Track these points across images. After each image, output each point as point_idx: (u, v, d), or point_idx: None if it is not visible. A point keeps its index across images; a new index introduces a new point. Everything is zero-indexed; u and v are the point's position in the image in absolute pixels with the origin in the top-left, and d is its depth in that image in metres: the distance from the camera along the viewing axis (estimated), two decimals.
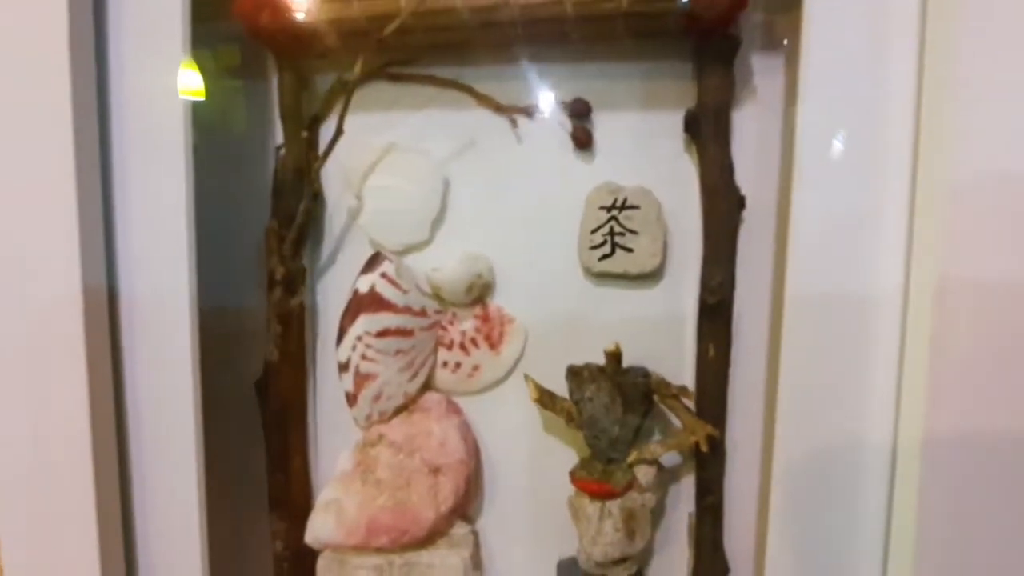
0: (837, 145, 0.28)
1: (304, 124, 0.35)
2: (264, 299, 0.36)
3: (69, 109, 0.30)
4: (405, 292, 0.34)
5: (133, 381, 0.33)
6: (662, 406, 0.33)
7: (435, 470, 0.34)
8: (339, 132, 0.32)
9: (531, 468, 0.37)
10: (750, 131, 0.32)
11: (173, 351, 0.32)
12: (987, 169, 0.26)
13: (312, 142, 0.34)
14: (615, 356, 0.32)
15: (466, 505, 0.36)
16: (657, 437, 0.34)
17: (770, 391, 0.32)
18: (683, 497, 0.36)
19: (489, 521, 0.38)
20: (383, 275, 0.34)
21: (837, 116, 0.28)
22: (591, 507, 0.33)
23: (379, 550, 0.35)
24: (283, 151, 0.36)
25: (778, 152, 0.32)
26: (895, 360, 0.28)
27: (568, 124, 0.34)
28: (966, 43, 0.26)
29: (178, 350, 0.32)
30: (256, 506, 0.38)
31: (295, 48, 0.34)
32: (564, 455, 0.36)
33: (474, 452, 0.36)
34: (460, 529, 0.36)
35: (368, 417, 0.35)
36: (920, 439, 0.27)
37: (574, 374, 0.33)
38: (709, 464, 0.33)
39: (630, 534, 0.32)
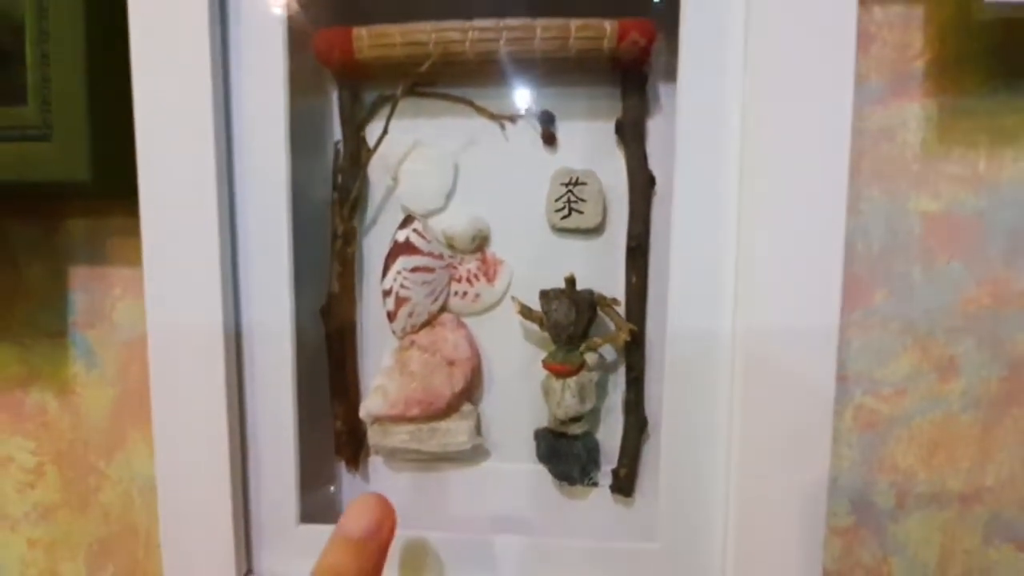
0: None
1: (357, 127, 0.47)
2: (329, 249, 0.46)
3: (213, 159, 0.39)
4: (428, 242, 0.47)
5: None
6: (602, 313, 0.44)
7: (451, 363, 0.45)
8: (384, 132, 0.46)
9: (515, 365, 0.46)
10: (657, 134, 0.43)
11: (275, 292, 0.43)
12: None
13: (364, 139, 0.48)
14: (571, 281, 0.43)
15: (472, 390, 0.46)
16: (598, 337, 0.47)
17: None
18: (619, 382, 0.45)
19: (487, 403, 0.47)
20: (414, 230, 0.46)
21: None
22: (556, 384, 0.43)
23: (412, 420, 0.45)
24: (340, 146, 0.47)
25: (674, 149, 0.40)
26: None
27: (539, 128, 0.44)
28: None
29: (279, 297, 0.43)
30: (322, 397, 0.47)
31: (353, 74, 0.44)
32: (536, 356, 0.44)
33: (476, 354, 0.46)
34: (467, 407, 0.46)
35: (403, 329, 0.46)
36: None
37: (544, 294, 0.43)
38: (634, 352, 0.44)
39: (582, 399, 0.43)
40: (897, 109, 0.48)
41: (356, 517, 0.29)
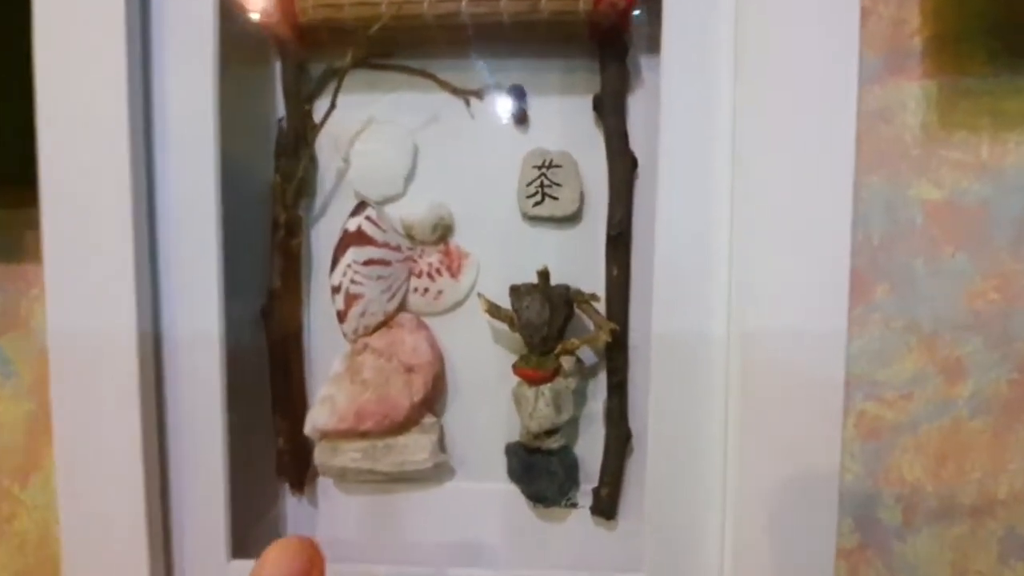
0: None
1: (302, 102, 0.43)
2: (270, 241, 0.43)
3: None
4: (384, 231, 0.43)
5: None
6: (579, 311, 0.41)
7: (409, 369, 0.42)
8: (332, 106, 0.41)
9: (482, 372, 0.43)
10: (639, 111, 0.40)
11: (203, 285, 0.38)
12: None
13: (310, 114, 0.43)
14: (544, 275, 0.40)
15: (433, 399, 0.43)
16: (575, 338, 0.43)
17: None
18: (601, 390, 0.43)
19: (451, 415, 0.44)
20: (367, 217, 0.42)
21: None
22: (529, 391, 0.41)
23: (364, 435, 0.42)
24: (283, 123, 0.44)
25: (658, 128, 0.39)
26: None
27: (509, 104, 0.42)
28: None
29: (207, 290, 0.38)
30: (263, 410, 0.44)
31: (297, 40, 0.41)
32: (506, 361, 0.42)
33: (439, 358, 0.43)
34: (429, 419, 0.43)
35: (355, 331, 0.43)
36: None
37: (514, 290, 0.41)
38: (616, 356, 0.41)
39: (557, 409, 0.41)
40: (895, 89, 0.45)
41: (271, 568, 0.23)
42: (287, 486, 0.44)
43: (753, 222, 0.35)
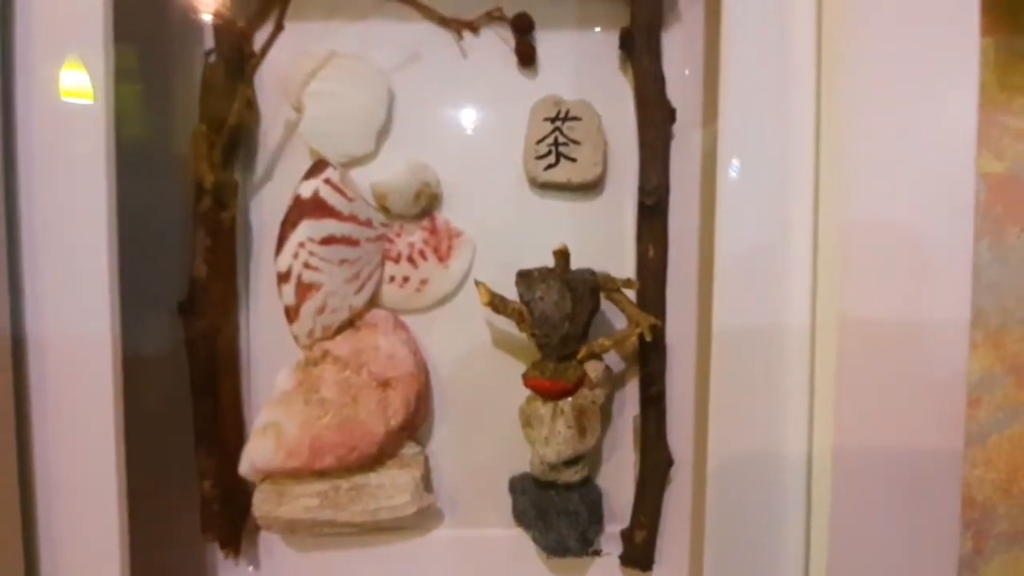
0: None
1: (238, 30, 0.33)
2: (189, 214, 0.33)
3: None
4: (350, 200, 0.33)
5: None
6: (608, 303, 0.34)
7: (384, 384, 0.33)
8: (278, 28, 0.31)
9: (480, 388, 0.37)
10: (676, 51, 0.35)
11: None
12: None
13: (248, 41, 0.33)
14: (563, 254, 0.33)
15: (416, 422, 0.35)
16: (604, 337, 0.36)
17: (703, 292, 0.35)
18: (628, 402, 0.37)
19: (439, 444, 0.37)
20: (327, 181, 0.33)
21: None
22: (543, 408, 0.33)
23: (323, 474, 0.33)
24: (212, 55, 0.34)
25: (701, 72, 0.35)
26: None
27: (511, 39, 0.35)
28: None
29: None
30: (179, 444, 0.35)
31: None
32: (513, 374, 0.35)
33: (423, 368, 0.35)
34: (410, 449, 0.35)
35: (310, 333, 0.33)
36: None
37: (524, 276, 0.33)
38: (651, 359, 0.35)
39: (581, 431, 0.33)
40: None
41: None
42: (216, 545, 0.37)
43: (843, 191, 0.30)
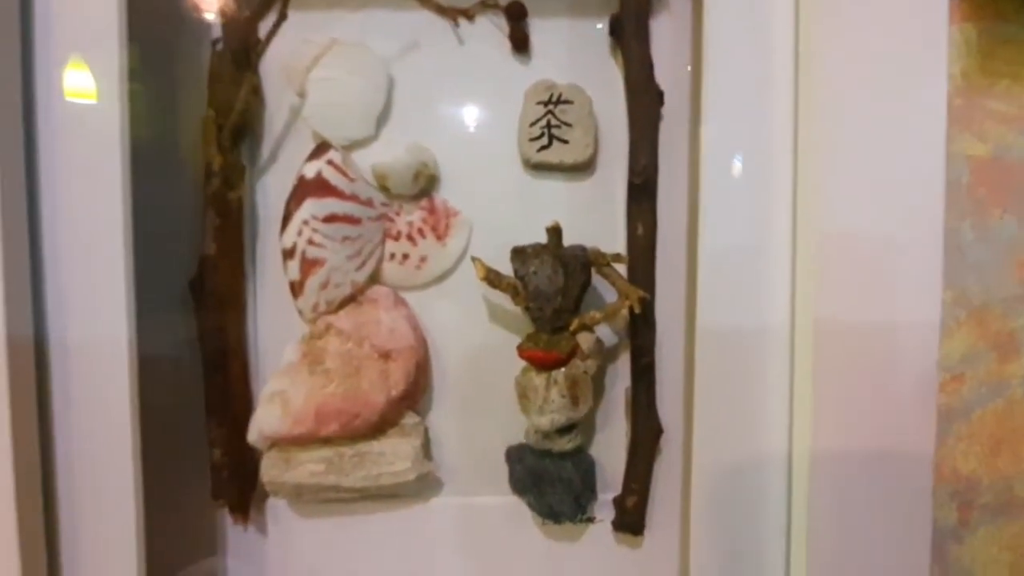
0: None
1: (245, 18, 0.34)
2: (199, 195, 0.34)
3: None
4: (352, 180, 0.35)
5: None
6: (599, 277, 0.35)
7: (385, 355, 0.35)
8: (282, 17, 0.33)
9: (477, 360, 0.38)
10: (664, 37, 0.36)
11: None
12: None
13: (253, 29, 0.34)
14: (556, 231, 0.34)
15: (416, 393, 0.37)
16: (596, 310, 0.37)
17: (690, 266, 0.36)
18: (620, 375, 0.38)
19: (438, 415, 0.39)
20: (329, 162, 0.34)
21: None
22: (538, 379, 0.35)
23: (327, 441, 0.34)
24: (219, 44, 0.35)
25: (688, 56, 0.36)
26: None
27: (505, 26, 0.36)
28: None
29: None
30: (191, 415, 0.36)
31: None
32: (508, 347, 0.36)
33: (422, 341, 0.37)
34: (410, 419, 0.36)
35: (315, 307, 0.35)
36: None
37: (518, 252, 0.35)
38: (642, 332, 0.36)
39: (574, 400, 0.34)
40: None
41: None
42: (226, 511, 0.37)
43: (823, 168, 0.31)
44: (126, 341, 0.31)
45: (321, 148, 0.35)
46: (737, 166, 0.32)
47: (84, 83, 0.31)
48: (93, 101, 0.31)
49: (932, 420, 0.31)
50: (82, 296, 0.31)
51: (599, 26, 0.37)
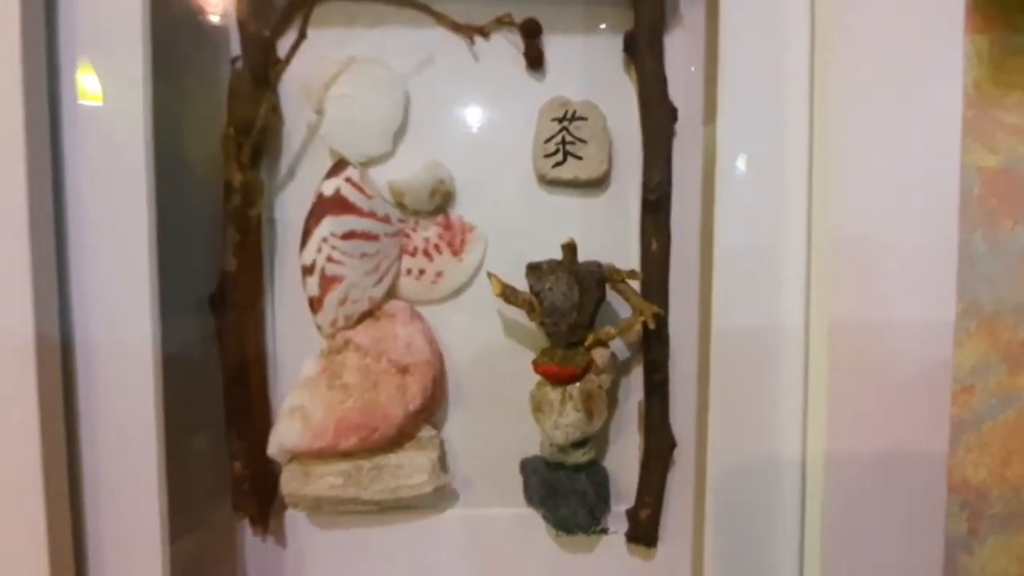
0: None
1: (264, 37, 0.35)
2: (219, 212, 0.35)
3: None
4: (369, 197, 0.35)
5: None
6: (613, 293, 0.35)
7: (403, 370, 0.35)
8: (301, 37, 0.33)
9: (493, 375, 0.38)
10: (678, 53, 0.36)
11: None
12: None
13: (272, 48, 0.35)
14: (571, 248, 0.34)
15: (432, 407, 0.37)
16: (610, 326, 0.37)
17: (704, 271, 0.36)
18: (633, 388, 0.39)
19: (454, 428, 0.39)
20: (347, 179, 0.35)
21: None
22: (553, 393, 0.35)
23: (346, 455, 0.35)
24: (239, 62, 0.36)
25: (701, 73, 0.36)
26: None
27: (520, 43, 0.37)
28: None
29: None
30: (212, 428, 0.36)
31: None
32: (523, 361, 0.37)
33: (438, 356, 0.37)
34: (427, 433, 0.37)
35: (333, 323, 0.35)
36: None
37: (534, 268, 0.35)
38: (655, 347, 0.36)
39: (589, 414, 0.35)
40: None
41: None
42: (246, 521, 0.38)
43: (838, 185, 0.31)
44: (151, 355, 0.31)
45: (339, 166, 0.35)
46: (752, 172, 0.32)
47: (110, 89, 0.31)
48: (117, 106, 0.31)
49: (946, 425, 0.31)
50: (107, 307, 0.32)
51: (613, 43, 0.37)
